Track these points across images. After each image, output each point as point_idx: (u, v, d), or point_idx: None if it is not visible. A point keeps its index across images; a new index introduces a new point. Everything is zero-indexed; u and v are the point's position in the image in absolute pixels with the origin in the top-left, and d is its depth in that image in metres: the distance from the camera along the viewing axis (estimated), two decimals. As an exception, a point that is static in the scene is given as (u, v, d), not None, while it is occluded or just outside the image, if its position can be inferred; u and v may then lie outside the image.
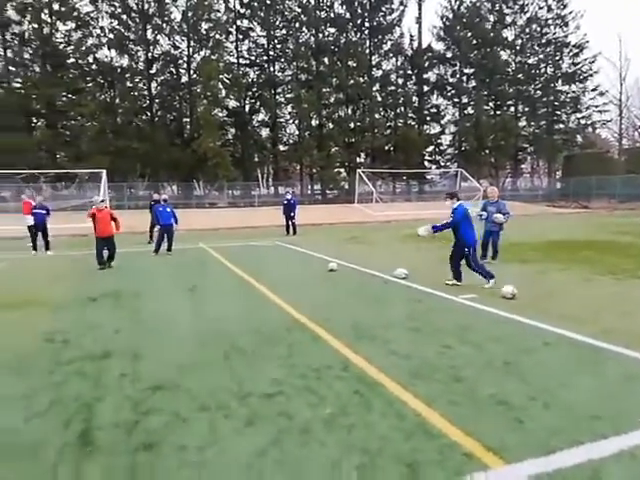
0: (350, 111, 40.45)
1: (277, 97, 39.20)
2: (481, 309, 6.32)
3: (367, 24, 40.45)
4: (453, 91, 44.26)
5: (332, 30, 39.73)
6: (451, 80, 44.27)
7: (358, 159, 41.24)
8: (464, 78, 44.20)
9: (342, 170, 40.56)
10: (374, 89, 40.68)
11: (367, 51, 40.44)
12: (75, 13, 32.55)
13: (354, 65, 38.77)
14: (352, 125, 39.83)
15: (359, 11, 39.97)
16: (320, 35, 39.07)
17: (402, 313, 6.23)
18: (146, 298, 7.59)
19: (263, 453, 2.90)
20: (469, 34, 42.39)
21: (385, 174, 38.65)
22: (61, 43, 32.78)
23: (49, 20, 31.91)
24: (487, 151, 43.49)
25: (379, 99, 41.24)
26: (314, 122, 39.13)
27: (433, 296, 7.20)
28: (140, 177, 34.84)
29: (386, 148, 41.65)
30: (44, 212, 14.12)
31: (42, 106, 31.53)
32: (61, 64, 32.60)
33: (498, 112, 43.97)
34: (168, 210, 13.29)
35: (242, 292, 7.95)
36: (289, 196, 19.37)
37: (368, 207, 30.31)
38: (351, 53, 38.56)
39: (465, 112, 44.28)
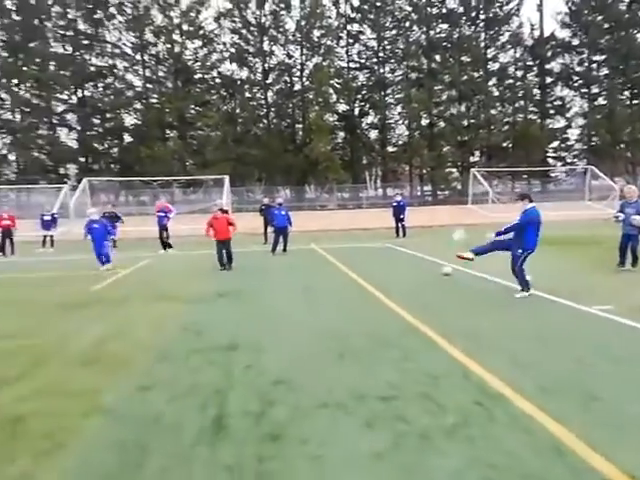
0: (463, 108, 38.82)
1: (387, 98, 39.02)
2: (619, 322, 5.66)
3: (482, 16, 38.49)
4: (581, 81, 40.16)
5: (444, 26, 38.48)
6: (578, 69, 40.21)
7: (472, 158, 39.40)
8: (594, 66, 39.89)
9: (454, 170, 39.07)
10: (490, 83, 38.57)
11: (482, 44, 38.48)
12: (201, 32, 35.64)
13: (468, 60, 37.14)
14: (465, 122, 38.18)
15: (473, 4, 38.18)
16: (431, 32, 38.08)
17: (526, 322, 5.83)
18: (265, 296, 8.06)
19: (382, 456, 2.92)
20: (599, 18, 38.17)
21: (502, 173, 36.41)
22: (189, 60, 36.08)
23: (180, 40, 35.34)
24: (623, 145, 38.76)
25: (496, 94, 38.99)
26: (424, 121, 38.26)
27: (561, 305, 6.62)
28: (257, 181, 37.06)
29: (503, 145, 39.21)
30: (163, 214, 15.58)
31: (174, 118, 35.03)
32: (189, 79, 35.93)
33: (635, 101, 38.95)
34: (283, 213, 13.94)
35: (353, 293, 8.06)
36: (398, 198, 19.17)
37: (483, 208, 28.79)
38: (465, 48, 37.00)
39: (595, 103, 39.93)
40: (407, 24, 38.20)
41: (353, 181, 36.18)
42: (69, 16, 33.56)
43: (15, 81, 33.18)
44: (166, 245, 15.41)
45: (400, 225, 18.63)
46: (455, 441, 3.06)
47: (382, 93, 38.62)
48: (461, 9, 38.15)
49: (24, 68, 32.58)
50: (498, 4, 38.15)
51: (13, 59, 32.49)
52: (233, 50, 36.19)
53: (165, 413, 3.62)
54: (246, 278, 9.94)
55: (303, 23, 35.73)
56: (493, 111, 38.31)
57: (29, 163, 33.48)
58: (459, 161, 38.61)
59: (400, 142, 39.81)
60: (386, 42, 38.86)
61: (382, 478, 2.72)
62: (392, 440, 3.09)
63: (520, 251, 7.06)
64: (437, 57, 37.93)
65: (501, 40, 39.03)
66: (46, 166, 33.88)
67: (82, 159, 34.81)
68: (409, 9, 37.96)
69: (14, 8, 32.68)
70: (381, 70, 39.11)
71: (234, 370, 4.47)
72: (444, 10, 38.36)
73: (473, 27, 38.77)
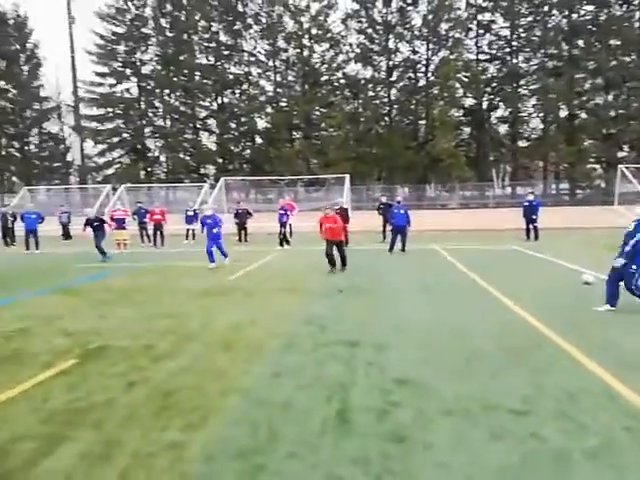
0: (611, 97, 34.47)
1: (519, 90, 36.26)
2: None
3: (639, -8, 33.72)
4: None
5: (589, 8, 34.49)
6: None
7: (620, 153, 34.84)
8: None
9: (597, 166, 34.95)
10: (646, 68, 33.67)
11: (637, 25, 33.74)
12: (328, 34, 36.64)
13: (618, 43, 32.86)
14: (613, 113, 33.86)
15: (628, -21, 33.61)
16: (574, 15, 34.42)
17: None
18: (384, 294, 8.08)
19: (510, 471, 2.78)
20: None
21: (658, 170, 31.59)
22: (317, 63, 37.35)
23: (308, 44, 36.75)
24: None
25: (653, 79, 33.93)
26: (563, 113, 34.79)
27: None
28: (377, 180, 37.11)
29: (659, 138, 33.99)
30: (283, 212, 16.34)
31: (301, 120, 36.60)
32: (316, 82, 37.20)
33: None
34: (402, 212, 13.78)
35: (477, 297, 7.70)
36: (531, 197, 17.75)
37: (631, 210, 25.36)
38: (614, 30, 32.78)
39: None
40: (545, 9, 35.03)
41: (478, 179, 34.33)
42: (212, 29, 36.92)
43: (167, 91, 37.56)
44: (283, 241, 16.21)
45: (532, 227, 17.24)
46: (600, 468, 2.78)
47: (514, 85, 35.97)
48: (612, -14, 33.87)
49: (174, 79, 36.69)
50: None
51: (165, 71, 36.75)
52: (358, 50, 36.59)
53: (293, 400, 3.86)
54: (364, 275, 10.05)
55: (430, 17, 34.78)
56: (649, 99, 33.41)
57: (176, 164, 37.69)
58: (603, 156, 34.39)
59: (533, 136, 36.72)
60: (521, 30, 36.08)
61: (513, 495, 2.60)
62: (522, 457, 2.92)
63: (635, 267, 6.27)
64: (580, 42, 34.17)
65: (662, 18, 33.86)
66: (190, 166, 37.81)
67: (220, 160, 38.12)
68: (549, -9, 34.76)
69: (168, 26, 36.94)
70: (514, 60, 36.45)
71: (357, 366, 4.58)
72: (591, -11, 34.39)
73: (625, 6, 34.18)
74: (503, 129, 37.75)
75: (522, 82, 36.19)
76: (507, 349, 4.95)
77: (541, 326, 5.78)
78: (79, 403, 3.92)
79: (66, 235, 21.49)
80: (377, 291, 8.37)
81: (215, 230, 11.70)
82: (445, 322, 6.14)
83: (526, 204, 17.50)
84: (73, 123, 39.36)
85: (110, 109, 37.31)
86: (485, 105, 36.98)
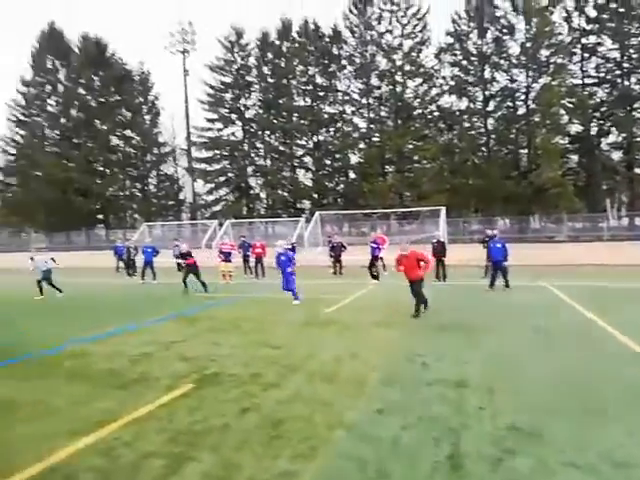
0: None
1: (633, 113, 33.31)
2: None
3: None
4: None
5: None
6: None
7: None
8: None
9: None
10: None
11: None
12: (421, 69, 36.92)
13: None
14: None
15: None
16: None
17: None
18: (490, 332, 7.71)
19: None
20: None
21: None
22: (409, 98, 37.65)
23: (401, 80, 37.29)
24: None
25: None
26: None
27: None
28: (474, 212, 35.83)
29: None
30: (375, 246, 16.28)
31: (393, 154, 36.85)
32: (409, 116, 37.40)
33: None
34: (499, 246, 13.06)
35: (599, 340, 7.03)
36: None
37: None
38: None
39: None
40: (662, 24, 32.24)
41: (589, 210, 31.65)
42: (309, 72, 39.05)
43: (267, 132, 40.12)
44: (374, 276, 15.95)
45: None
46: None
47: (627, 108, 33.17)
48: None
49: (274, 121, 39.15)
50: None
51: (267, 114, 39.39)
52: (452, 82, 36.31)
53: (400, 439, 3.83)
54: (465, 313, 9.67)
55: (529, 45, 33.66)
56: None
57: (275, 200, 39.70)
58: None
59: (653, 162, 33.30)
60: (632, 51, 33.47)
61: None
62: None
63: None
64: None
65: None
66: (287, 202, 39.59)
67: (315, 195, 39.48)
68: (665, 6, 32.03)
69: (269, 72, 39.81)
70: (625, 83, 33.75)
71: (467, 408, 4.42)
72: None
73: None
74: (617, 156, 34.72)
75: (636, 105, 33.29)
76: (633, 402, 4.47)
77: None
78: (198, 425, 4.25)
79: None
80: (479, 329, 8.01)
81: (289, 269, 11.75)
82: (559, 365, 5.70)
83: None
84: (186, 165, 43.45)
85: (218, 151, 40.63)
86: (594, 131, 34.44)
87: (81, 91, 41.21)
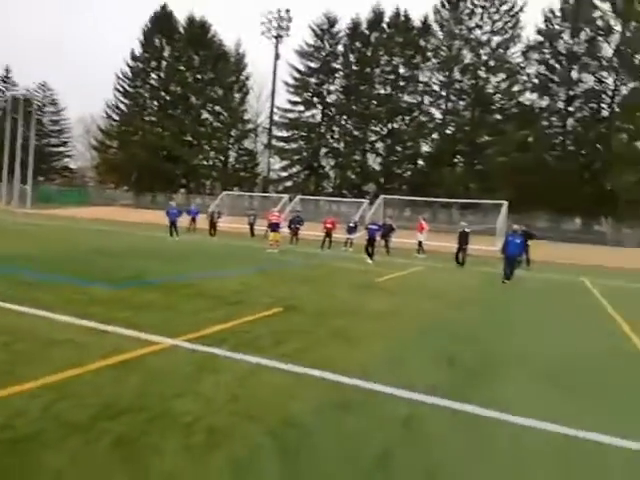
0: None
1: None
2: None
3: None
4: None
5: None
6: None
7: None
8: None
9: None
10: None
11: None
12: (507, 66, 36.95)
13: None
14: None
15: None
16: None
17: None
18: (504, 306, 9.38)
19: None
20: None
21: None
22: (489, 92, 37.86)
23: (484, 75, 37.55)
24: None
25: None
26: None
27: None
28: (540, 209, 35.84)
29: None
30: (375, 227, 17.30)
31: (465, 146, 37.50)
32: (487, 109, 37.73)
33: None
34: (517, 241, 13.23)
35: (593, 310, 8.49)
36: None
37: None
38: None
39: None
40: None
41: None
42: (393, 62, 40.32)
43: (345, 117, 42.09)
44: (369, 254, 16.59)
45: None
46: None
47: None
48: None
49: (353, 107, 41.01)
50: None
51: (346, 100, 41.28)
52: (536, 80, 36.19)
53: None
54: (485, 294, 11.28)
55: (623, 48, 32.74)
56: None
57: (343, 180, 41.85)
58: None
59: None
60: None
61: None
62: None
63: None
64: None
65: None
66: (354, 183, 41.61)
67: (381, 179, 41.12)
68: None
69: (354, 60, 41.49)
70: None
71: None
72: None
73: None
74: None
75: None
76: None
77: None
78: (288, 328, 6.47)
79: (252, 233, 26.51)
80: (495, 305, 9.67)
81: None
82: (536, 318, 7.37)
83: None
84: (266, 142, 46.57)
85: (296, 131, 43.28)
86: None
87: (181, 68, 45.24)
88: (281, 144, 44.11)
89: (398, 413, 3.72)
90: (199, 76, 45.40)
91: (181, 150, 44.27)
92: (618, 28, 33.38)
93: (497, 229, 17.39)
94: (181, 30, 45.52)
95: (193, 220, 26.94)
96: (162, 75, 45.65)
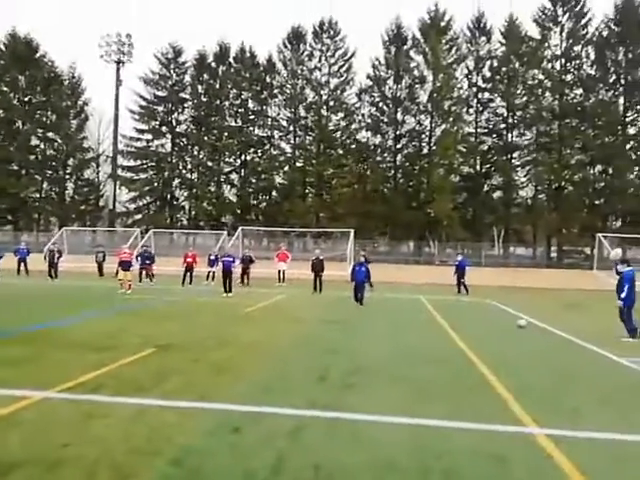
0: (597, 172, 37.99)
1: (513, 161, 40.00)
2: None
3: (622, 81, 37.89)
4: None
5: (578, 92, 38.69)
6: None
7: (604, 223, 37.73)
8: None
9: (583, 234, 37.80)
10: (627, 147, 37.25)
11: (620, 109, 37.68)
12: (344, 106, 41.15)
13: (601, 124, 36.67)
14: (597, 187, 37.24)
15: (613, 69, 37.93)
16: (564, 98, 38.53)
17: (596, 385, 6.50)
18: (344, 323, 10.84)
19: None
20: None
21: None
22: (331, 129, 41.61)
23: (325, 113, 41.19)
24: None
25: (634, 157, 37.41)
26: (552, 184, 38.22)
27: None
28: (381, 235, 40.27)
29: (643, 210, 36.90)
30: (230, 260, 17.88)
31: (314, 179, 40.45)
32: (330, 145, 41.35)
33: None
34: (363, 269, 14.92)
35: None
36: (459, 257, 21.65)
37: (611, 275, 27.84)
38: (599, 113, 36.68)
39: None
40: (539, 91, 39.19)
41: (473, 239, 37.19)
42: (242, 96, 41.68)
43: (197, 148, 41.97)
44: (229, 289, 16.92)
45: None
46: None
47: (509, 156, 39.74)
48: (598, 74, 38.11)
49: (205, 138, 41.15)
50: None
51: (197, 131, 41.30)
52: (369, 120, 40.91)
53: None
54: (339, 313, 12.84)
55: (435, 95, 39.05)
56: (631, 175, 36.73)
57: (199, 212, 41.46)
58: (588, 225, 37.31)
59: (525, 204, 40.15)
60: (516, 109, 40.15)
61: None
62: None
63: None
64: (568, 121, 38.09)
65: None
66: (211, 215, 41.50)
67: (238, 211, 41.79)
68: (542, 77, 39.02)
69: (203, 91, 41.80)
70: (509, 135, 40.41)
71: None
72: (580, 76, 38.62)
73: (611, 92, 38.28)
74: (496, 195, 41.17)
75: (515, 155, 40.00)
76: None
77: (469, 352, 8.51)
78: (167, 366, 6.72)
79: (100, 272, 24.79)
80: (348, 322, 11.14)
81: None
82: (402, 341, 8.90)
83: (457, 263, 20.94)
84: (110, 172, 43.74)
85: (145, 161, 41.64)
86: (481, 173, 40.62)
87: (4, 88, 40.33)
88: (129, 174, 41.92)
89: (285, 428, 4.39)
90: (27, 99, 40.97)
91: (6, 181, 39.07)
92: (430, 78, 39.72)
93: (347, 256, 19.34)
94: (1, 47, 40.64)
95: (22, 262, 24.15)
96: (-21, 96, 40.09)
